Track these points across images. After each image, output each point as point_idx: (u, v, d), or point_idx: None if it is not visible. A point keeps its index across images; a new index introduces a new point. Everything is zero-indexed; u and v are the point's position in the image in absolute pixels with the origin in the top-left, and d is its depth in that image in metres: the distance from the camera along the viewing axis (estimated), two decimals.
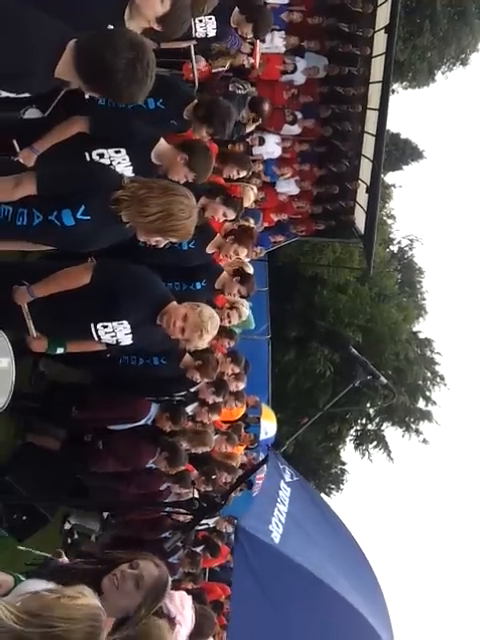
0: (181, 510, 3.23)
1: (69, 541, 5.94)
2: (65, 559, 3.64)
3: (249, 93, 6.90)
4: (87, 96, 3.56)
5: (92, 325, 3.35)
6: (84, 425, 4.92)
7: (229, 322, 4.97)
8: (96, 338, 3.41)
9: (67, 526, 5.95)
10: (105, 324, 3.35)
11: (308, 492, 3.80)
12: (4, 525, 4.75)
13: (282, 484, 3.48)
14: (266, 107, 6.02)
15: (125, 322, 3.36)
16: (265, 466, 3.55)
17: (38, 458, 4.91)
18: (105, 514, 6.00)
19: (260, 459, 7.69)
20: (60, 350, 3.46)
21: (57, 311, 3.27)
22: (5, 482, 4.70)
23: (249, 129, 6.32)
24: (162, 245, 3.02)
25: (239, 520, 2.88)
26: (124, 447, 4.83)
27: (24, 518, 4.87)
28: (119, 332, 3.39)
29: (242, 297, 4.86)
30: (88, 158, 3.41)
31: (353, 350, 2.88)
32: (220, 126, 4.01)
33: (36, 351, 3.46)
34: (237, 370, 5.50)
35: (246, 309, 5.08)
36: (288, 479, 3.58)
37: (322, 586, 3.03)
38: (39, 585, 2.57)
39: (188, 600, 4.69)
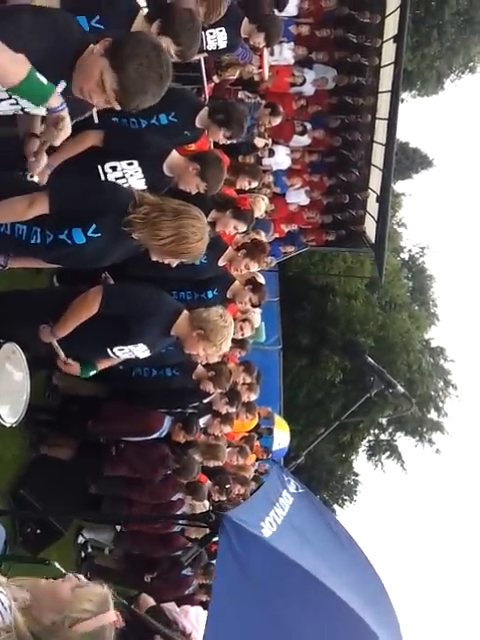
0: (197, 523, 3.20)
1: (83, 555, 5.92)
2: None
3: (258, 102, 6.95)
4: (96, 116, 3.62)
5: (109, 350, 3.41)
6: (98, 438, 4.91)
7: (242, 334, 4.97)
8: (115, 358, 3.49)
9: (80, 540, 5.93)
10: (121, 348, 3.40)
11: (313, 503, 3.70)
12: (18, 539, 4.73)
13: (284, 492, 3.40)
14: (280, 108, 6.07)
15: (140, 344, 3.40)
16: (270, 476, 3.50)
17: (51, 471, 4.90)
18: (118, 528, 5.97)
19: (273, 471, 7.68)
20: (92, 372, 3.57)
21: (75, 340, 3.31)
22: (19, 495, 4.69)
23: (265, 126, 6.36)
24: (174, 265, 3.06)
25: (227, 512, 2.78)
26: (137, 457, 4.83)
27: (38, 532, 4.85)
28: (136, 351, 3.44)
29: (254, 306, 4.85)
30: (101, 171, 3.43)
31: (369, 359, 2.83)
32: (238, 128, 3.99)
33: (70, 374, 3.56)
34: (249, 380, 5.48)
35: (258, 317, 5.07)
36: (292, 490, 3.50)
37: (312, 581, 2.89)
38: None
39: (204, 616, 4.64)
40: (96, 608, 1.80)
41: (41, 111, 2.35)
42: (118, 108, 2.25)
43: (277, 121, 6.60)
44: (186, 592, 5.80)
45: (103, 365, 3.63)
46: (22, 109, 2.33)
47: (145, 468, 4.88)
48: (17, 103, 2.28)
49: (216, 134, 3.99)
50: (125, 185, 3.44)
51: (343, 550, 3.52)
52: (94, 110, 3.67)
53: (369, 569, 3.56)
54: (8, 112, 2.36)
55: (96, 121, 3.60)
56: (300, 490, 3.54)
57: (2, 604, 1.78)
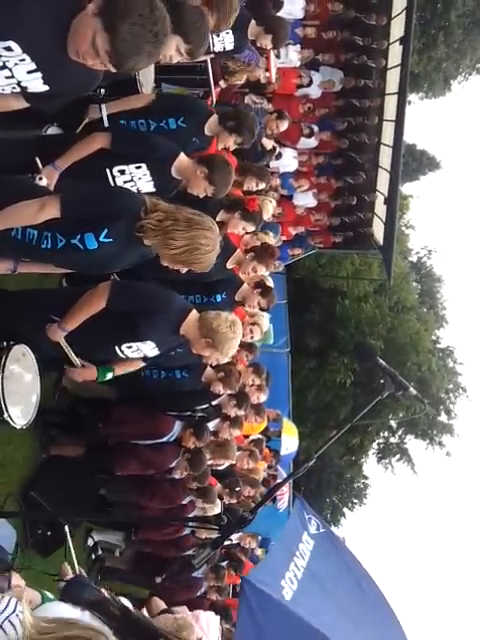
0: (209, 525, 3.20)
1: (93, 557, 5.93)
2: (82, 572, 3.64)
3: (265, 108, 6.97)
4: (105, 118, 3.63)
5: (117, 347, 3.40)
6: (107, 440, 4.92)
7: (251, 337, 4.97)
8: (123, 357, 3.46)
9: (90, 542, 5.94)
10: (129, 345, 3.39)
11: (334, 545, 3.64)
12: (28, 541, 4.75)
13: (305, 536, 3.36)
14: (286, 113, 6.09)
15: (149, 341, 3.40)
16: (294, 504, 3.46)
17: (62, 473, 4.91)
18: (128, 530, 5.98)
19: (281, 474, 7.65)
20: (109, 375, 3.54)
21: (83, 339, 3.31)
22: (30, 497, 4.71)
23: (273, 131, 6.43)
24: (184, 272, 3.10)
25: (247, 573, 2.78)
26: (148, 450, 4.84)
27: (48, 534, 4.87)
28: (144, 348, 3.43)
29: (262, 310, 4.86)
30: (109, 174, 3.44)
31: (381, 361, 2.80)
32: (248, 134, 4.05)
33: (87, 379, 3.53)
34: (259, 381, 5.48)
35: (266, 320, 5.07)
36: (313, 531, 3.47)
37: None
38: (66, 611, 2.56)
39: (215, 621, 4.64)
40: None
41: (38, 85, 2.27)
42: (113, 70, 2.14)
43: (284, 126, 6.62)
44: (197, 593, 5.80)
45: (120, 369, 3.59)
46: (19, 83, 2.25)
47: (156, 457, 4.85)
48: (12, 76, 2.20)
49: (227, 140, 4.02)
50: (134, 188, 3.46)
51: (363, 595, 3.52)
52: (105, 113, 3.72)
53: (388, 613, 3.55)
54: (5, 89, 2.27)
55: (106, 124, 3.63)
56: (321, 529, 3.52)
57: (14, 630, 1.79)
